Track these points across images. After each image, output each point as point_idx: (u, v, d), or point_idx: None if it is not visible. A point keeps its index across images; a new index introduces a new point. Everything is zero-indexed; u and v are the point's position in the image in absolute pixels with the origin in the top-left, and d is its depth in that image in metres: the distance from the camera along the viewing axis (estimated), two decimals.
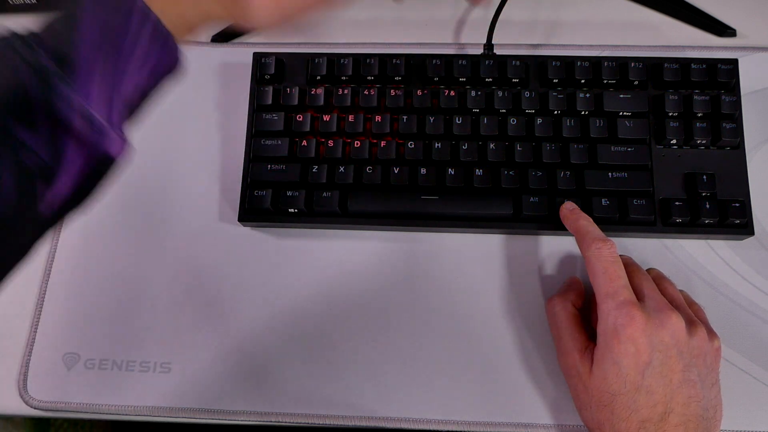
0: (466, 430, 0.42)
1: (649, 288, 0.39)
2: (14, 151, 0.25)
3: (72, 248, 0.47)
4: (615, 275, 0.37)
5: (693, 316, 0.39)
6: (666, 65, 0.46)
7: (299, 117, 0.47)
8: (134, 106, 0.30)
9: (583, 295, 0.42)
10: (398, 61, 0.47)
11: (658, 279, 0.42)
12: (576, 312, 0.41)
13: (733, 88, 0.46)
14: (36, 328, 0.45)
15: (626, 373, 0.35)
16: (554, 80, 0.46)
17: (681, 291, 0.42)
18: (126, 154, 0.29)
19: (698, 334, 0.37)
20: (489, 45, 0.50)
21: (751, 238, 0.45)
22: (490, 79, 0.47)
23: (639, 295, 0.38)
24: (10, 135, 0.25)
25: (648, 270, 0.43)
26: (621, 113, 0.45)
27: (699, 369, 0.36)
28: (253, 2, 0.31)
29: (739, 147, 0.45)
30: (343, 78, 0.48)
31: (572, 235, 0.42)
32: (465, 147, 0.45)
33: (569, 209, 0.43)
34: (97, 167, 0.28)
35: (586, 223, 0.41)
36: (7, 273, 0.28)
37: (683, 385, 0.35)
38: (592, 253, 0.39)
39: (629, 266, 0.41)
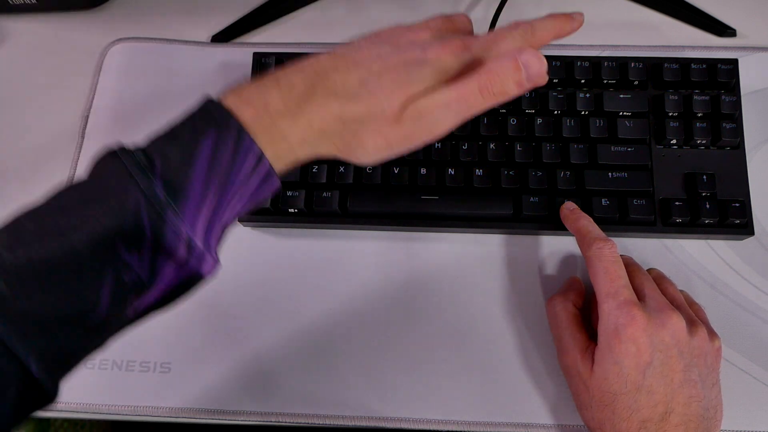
0: (466, 430, 0.42)
1: (650, 288, 0.39)
2: (117, 270, 0.27)
3: None
4: (616, 275, 0.37)
5: (693, 316, 0.39)
6: (666, 65, 0.46)
7: None
8: (229, 225, 0.32)
9: (584, 295, 0.42)
10: None
11: (659, 279, 0.42)
12: (576, 312, 0.41)
13: (733, 88, 0.46)
14: None
15: (627, 372, 0.35)
16: (554, 80, 0.46)
17: (681, 291, 0.42)
18: (216, 272, 0.31)
19: (699, 335, 0.37)
20: None
21: (751, 238, 0.45)
22: None
23: (640, 295, 0.38)
24: (118, 257, 0.27)
25: (648, 270, 0.43)
26: (621, 113, 0.45)
27: (699, 369, 0.36)
28: (367, 146, 0.32)
29: (739, 147, 0.45)
30: None
31: (572, 235, 0.42)
32: (465, 147, 0.45)
33: (569, 209, 0.43)
34: (188, 283, 0.30)
35: (587, 223, 0.41)
36: (82, 361, 0.29)
37: (684, 385, 0.35)
38: (593, 253, 0.39)
39: (630, 266, 0.41)
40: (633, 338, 0.35)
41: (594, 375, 0.37)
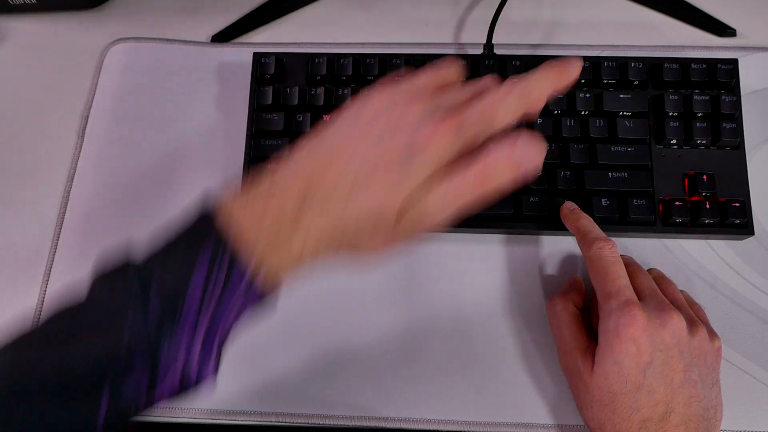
0: (466, 430, 0.42)
1: (651, 288, 0.39)
2: (113, 394, 0.28)
3: (72, 248, 0.47)
4: (616, 275, 0.37)
5: (694, 316, 0.39)
6: (666, 65, 0.46)
7: (299, 117, 0.47)
8: (226, 340, 0.32)
9: (585, 295, 0.42)
10: (398, 61, 0.47)
11: (659, 279, 0.42)
12: (577, 312, 0.41)
13: (733, 88, 0.46)
14: None
15: (627, 372, 0.35)
16: None
17: (682, 291, 0.42)
18: (210, 383, 0.31)
19: (699, 335, 0.37)
20: (489, 45, 0.50)
21: (751, 238, 0.45)
22: None
23: (640, 295, 0.38)
24: (114, 383, 0.28)
25: (649, 270, 0.43)
26: (621, 113, 0.45)
27: (700, 369, 0.36)
28: (367, 249, 0.32)
29: (739, 147, 0.45)
30: (343, 78, 0.48)
31: (572, 235, 0.42)
32: None
33: (570, 209, 0.43)
34: (179, 393, 0.30)
35: (587, 222, 0.41)
36: None
37: (684, 385, 0.35)
38: (593, 253, 0.39)
39: (630, 266, 0.41)
40: (633, 338, 0.35)
41: (594, 375, 0.37)
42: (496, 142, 0.31)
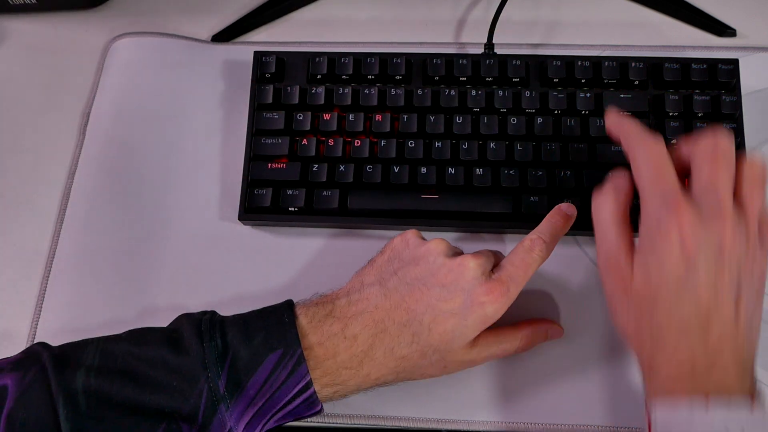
0: (466, 429, 0.42)
1: (713, 186, 0.33)
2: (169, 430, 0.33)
3: (72, 247, 0.47)
4: (664, 172, 0.34)
5: (755, 230, 0.34)
6: (666, 65, 0.46)
7: (299, 116, 0.47)
8: (268, 426, 0.37)
9: (632, 198, 0.37)
10: (399, 61, 0.47)
11: (744, 181, 0.35)
12: (626, 210, 0.37)
13: (734, 88, 0.46)
14: (36, 328, 0.45)
15: (669, 272, 0.32)
16: (554, 80, 0.46)
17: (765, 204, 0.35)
18: None
19: (751, 251, 0.33)
20: (489, 44, 0.50)
21: None
22: (491, 79, 0.47)
23: (697, 192, 0.34)
24: (173, 423, 0.33)
25: (744, 163, 0.35)
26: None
27: (746, 286, 0.33)
28: (427, 378, 0.39)
29: (740, 147, 0.45)
30: (344, 77, 0.48)
31: (572, 235, 0.41)
32: (465, 146, 0.45)
33: (616, 116, 0.38)
34: None
35: (633, 123, 0.37)
36: None
37: (728, 296, 0.32)
38: (640, 152, 0.35)
39: (713, 154, 0.34)
40: (679, 234, 0.32)
41: (635, 274, 0.34)
42: (535, 323, 0.41)
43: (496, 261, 0.39)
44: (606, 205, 0.36)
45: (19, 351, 0.46)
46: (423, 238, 0.40)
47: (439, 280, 0.36)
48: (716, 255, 0.32)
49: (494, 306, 0.36)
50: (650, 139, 0.35)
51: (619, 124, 0.38)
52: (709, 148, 0.34)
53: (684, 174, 0.36)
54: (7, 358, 0.35)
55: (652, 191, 0.34)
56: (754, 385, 0.32)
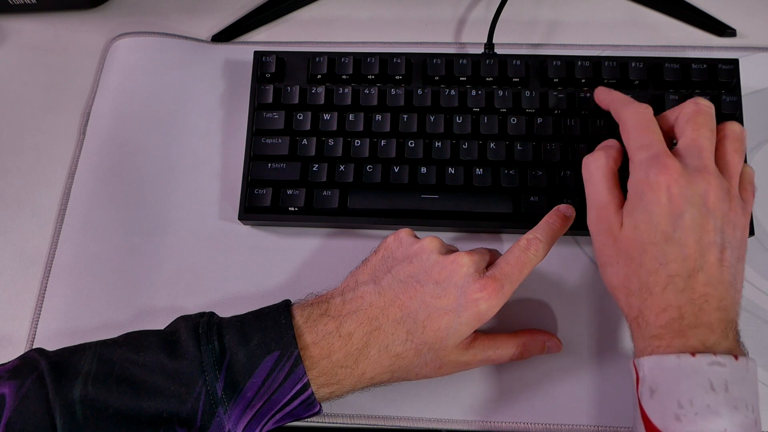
0: (466, 429, 0.42)
1: (697, 146, 0.36)
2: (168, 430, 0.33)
3: (72, 247, 0.47)
4: (650, 130, 0.36)
5: (736, 190, 0.36)
6: (666, 65, 0.46)
7: (299, 116, 0.47)
8: (266, 428, 0.37)
9: (621, 158, 0.39)
10: (399, 60, 0.47)
11: (724, 139, 0.37)
12: (614, 167, 0.38)
13: (734, 88, 0.46)
14: (36, 327, 0.45)
15: (657, 222, 0.34)
16: (555, 80, 0.46)
17: (747, 166, 0.38)
18: None
19: (734, 204, 0.35)
20: (490, 44, 0.50)
21: (751, 239, 0.45)
22: (491, 79, 0.47)
23: (681, 151, 0.36)
24: (171, 427, 0.33)
25: (724, 124, 0.38)
26: None
27: (729, 238, 0.34)
28: (423, 378, 0.38)
29: None
30: (344, 77, 0.48)
31: (572, 235, 0.42)
32: (465, 146, 0.45)
33: (604, 88, 0.43)
34: None
35: (620, 94, 0.41)
36: None
37: (713, 247, 0.34)
38: (627, 112, 0.38)
39: (696, 115, 0.37)
40: (666, 185, 0.34)
41: (624, 227, 0.35)
42: (534, 333, 0.41)
43: (491, 259, 0.39)
44: (596, 162, 0.38)
45: (19, 351, 0.46)
46: (416, 237, 0.40)
47: (433, 277, 0.36)
48: (701, 207, 0.34)
49: (488, 303, 0.36)
50: (637, 103, 0.38)
51: (607, 92, 0.41)
52: (691, 111, 0.37)
53: (671, 142, 0.38)
54: (4, 365, 0.35)
55: (640, 149, 0.36)
56: (739, 342, 0.34)
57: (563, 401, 0.42)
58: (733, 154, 0.37)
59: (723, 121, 0.38)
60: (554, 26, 0.53)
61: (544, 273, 0.45)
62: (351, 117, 0.46)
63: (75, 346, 0.36)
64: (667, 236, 0.34)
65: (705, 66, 0.46)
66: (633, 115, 0.37)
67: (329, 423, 0.42)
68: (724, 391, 0.31)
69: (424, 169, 0.45)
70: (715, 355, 0.32)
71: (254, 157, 0.46)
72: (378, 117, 0.46)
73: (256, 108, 0.47)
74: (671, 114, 0.38)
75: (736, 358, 0.32)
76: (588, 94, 0.46)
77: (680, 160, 0.35)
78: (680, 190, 0.34)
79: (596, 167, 0.38)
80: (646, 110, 0.37)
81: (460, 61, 0.47)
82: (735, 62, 0.46)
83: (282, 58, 0.49)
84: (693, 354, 0.32)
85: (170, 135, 0.50)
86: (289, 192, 0.45)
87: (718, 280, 0.33)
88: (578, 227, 0.41)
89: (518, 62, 0.47)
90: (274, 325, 0.35)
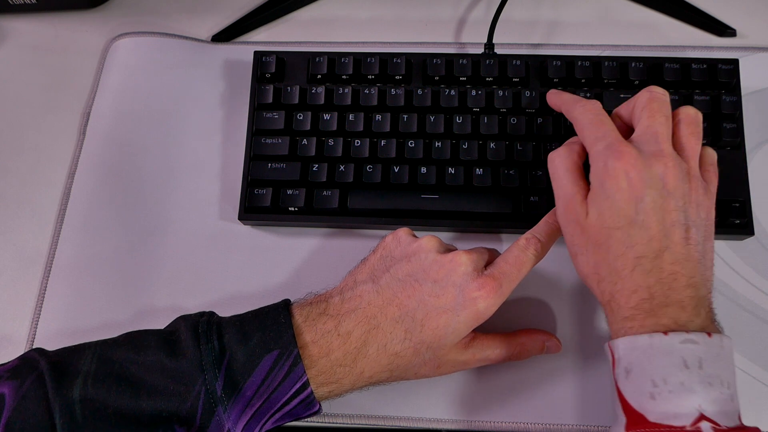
0: (465, 429, 0.42)
1: (652, 132, 0.36)
2: (167, 429, 0.33)
3: (72, 247, 0.47)
4: (602, 122, 0.37)
5: (695, 169, 0.37)
6: (666, 65, 0.46)
7: (299, 116, 0.47)
8: (266, 430, 0.37)
9: (584, 156, 0.39)
10: (399, 60, 0.47)
11: (680, 124, 0.38)
12: (578, 161, 0.39)
13: (734, 88, 0.46)
14: (36, 327, 0.45)
15: (619, 206, 0.35)
16: (555, 80, 0.46)
17: (707, 148, 0.39)
18: None
19: (694, 184, 0.36)
20: (490, 44, 0.50)
21: (751, 238, 0.45)
22: (491, 79, 0.47)
23: (637, 138, 0.37)
24: (170, 427, 0.33)
25: (680, 109, 0.38)
26: None
27: (693, 216, 0.35)
28: (421, 378, 0.39)
29: (740, 147, 0.45)
30: (344, 77, 0.48)
31: None
32: (465, 146, 0.45)
33: (554, 90, 0.43)
34: None
35: (570, 95, 0.42)
36: None
37: (677, 226, 0.34)
38: (578, 110, 0.39)
39: (651, 102, 0.38)
40: (623, 171, 0.34)
41: (589, 215, 0.36)
42: (532, 333, 0.41)
43: (490, 258, 0.39)
44: (560, 157, 0.39)
45: (19, 351, 0.46)
46: (414, 236, 0.40)
47: (431, 275, 0.36)
48: (661, 189, 0.35)
49: (486, 301, 0.36)
50: (585, 100, 0.39)
51: (557, 95, 0.42)
52: (645, 99, 0.38)
53: (630, 132, 0.38)
54: (4, 364, 0.35)
55: (595, 141, 0.36)
56: (713, 320, 0.34)
57: (563, 401, 0.42)
58: (689, 137, 0.37)
59: (678, 107, 0.38)
60: (554, 26, 0.53)
61: (543, 273, 0.45)
62: (351, 117, 0.46)
63: (75, 345, 0.36)
64: (631, 220, 0.34)
65: (705, 66, 0.46)
66: (583, 112, 0.38)
67: (329, 423, 0.42)
68: (698, 369, 0.31)
69: (424, 169, 0.45)
70: (687, 332, 0.32)
71: (254, 157, 0.46)
72: (378, 117, 0.46)
73: (256, 108, 0.47)
74: (627, 105, 0.39)
75: (709, 335, 0.32)
76: (589, 95, 0.46)
77: (637, 146, 0.36)
78: (638, 174, 0.34)
79: (560, 161, 0.38)
80: (594, 105, 0.38)
81: (460, 61, 0.47)
82: (735, 62, 0.46)
83: (282, 58, 0.49)
84: (665, 333, 0.32)
85: (170, 135, 0.50)
86: (289, 192, 0.45)
87: (685, 258, 0.34)
88: None
89: (518, 62, 0.47)
90: (273, 324, 0.35)
